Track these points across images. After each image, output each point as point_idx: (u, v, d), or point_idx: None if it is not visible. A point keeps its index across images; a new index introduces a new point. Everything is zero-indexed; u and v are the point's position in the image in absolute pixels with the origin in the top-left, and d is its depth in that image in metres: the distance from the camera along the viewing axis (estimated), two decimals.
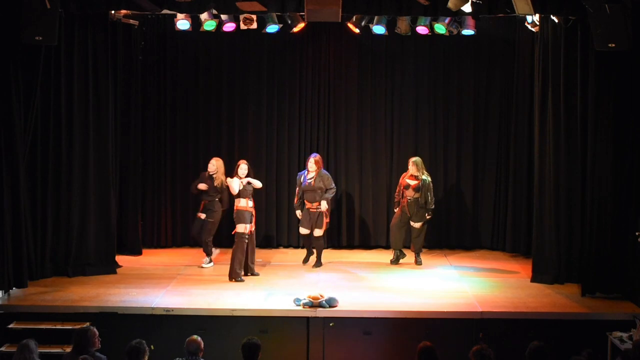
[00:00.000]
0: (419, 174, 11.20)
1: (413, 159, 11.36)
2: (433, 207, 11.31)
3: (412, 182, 11.21)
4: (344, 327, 8.99)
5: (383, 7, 9.80)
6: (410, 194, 11.22)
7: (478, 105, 12.61)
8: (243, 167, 10.53)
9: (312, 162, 11.11)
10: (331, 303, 9.05)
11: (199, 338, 6.83)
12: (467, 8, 9.43)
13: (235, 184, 10.44)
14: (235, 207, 10.53)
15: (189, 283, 10.24)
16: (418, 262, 11.40)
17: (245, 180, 10.46)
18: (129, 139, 11.68)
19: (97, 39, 10.48)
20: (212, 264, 11.23)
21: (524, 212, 12.02)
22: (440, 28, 11.48)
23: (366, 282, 10.49)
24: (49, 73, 10.08)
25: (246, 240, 10.38)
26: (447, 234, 12.73)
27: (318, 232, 11.18)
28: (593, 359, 6.76)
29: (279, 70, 12.61)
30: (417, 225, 11.29)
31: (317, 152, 12.56)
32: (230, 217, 10.95)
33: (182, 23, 11.42)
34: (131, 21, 11.21)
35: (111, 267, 10.73)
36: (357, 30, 11.87)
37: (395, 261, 11.47)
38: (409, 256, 11.49)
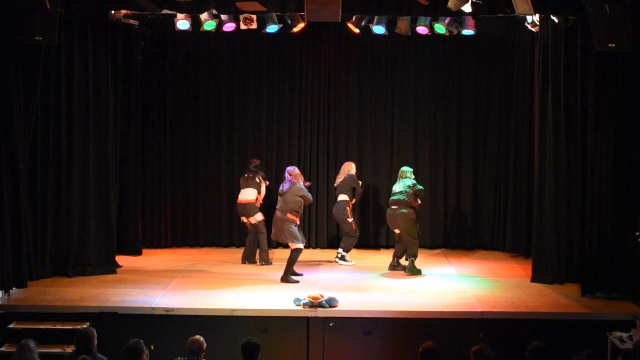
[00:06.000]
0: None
1: (403, 168, 10.97)
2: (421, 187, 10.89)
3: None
4: (344, 327, 8.98)
5: (383, 7, 9.81)
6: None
7: (478, 105, 12.61)
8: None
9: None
10: (331, 303, 9.04)
11: (202, 338, 6.83)
12: (467, 8, 9.44)
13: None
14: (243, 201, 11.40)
15: (189, 283, 10.24)
16: (391, 267, 11.04)
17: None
18: (129, 140, 11.68)
19: (97, 39, 10.47)
20: None
21: (524, 212, 12.02)
22: (440, 28, 11.47)
23: (366, 282, 10.49)
24: (49, 73, 10.08)
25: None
26: (447, 234, 12.74)
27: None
28: (593, 359, 6.75)
29: (279, 70, 12.61)
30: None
31: (317, 152, 12.61)
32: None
33: (182, 23, 11.42)
34: (131, 21, 11.21)
35: (111, 267, 10.73)
36: (357, 30, 11.86)
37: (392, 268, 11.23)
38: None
